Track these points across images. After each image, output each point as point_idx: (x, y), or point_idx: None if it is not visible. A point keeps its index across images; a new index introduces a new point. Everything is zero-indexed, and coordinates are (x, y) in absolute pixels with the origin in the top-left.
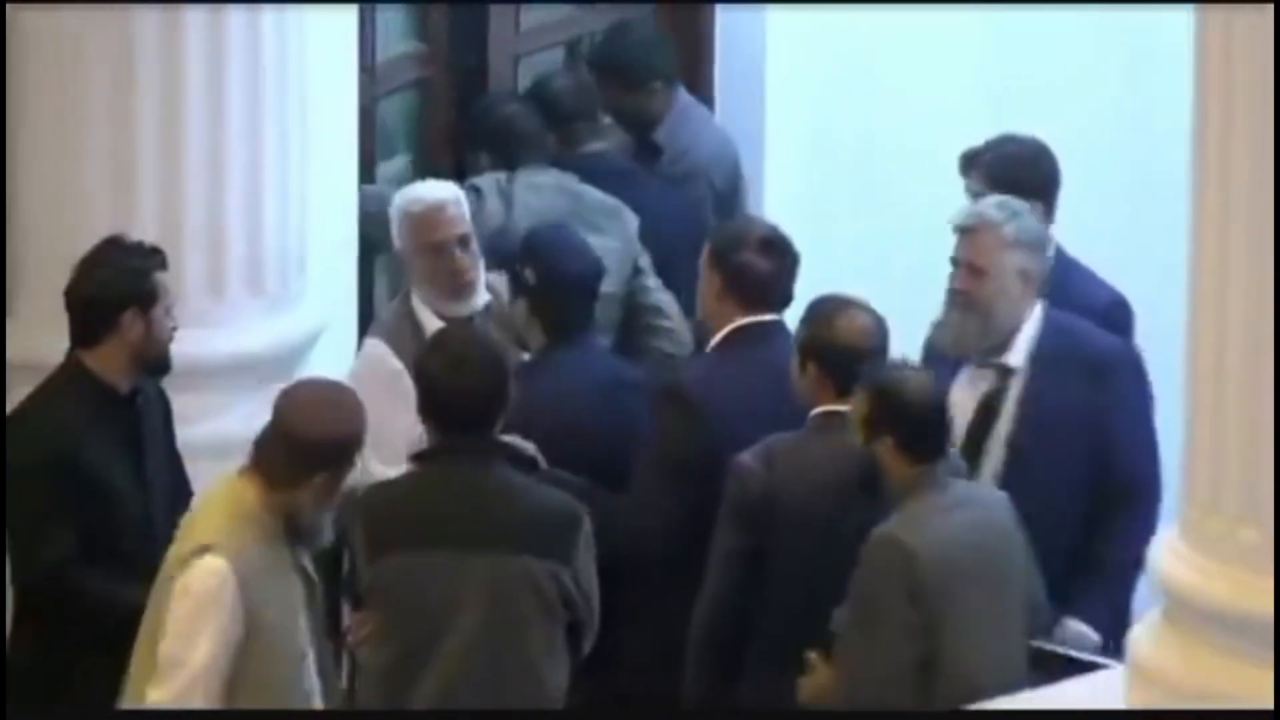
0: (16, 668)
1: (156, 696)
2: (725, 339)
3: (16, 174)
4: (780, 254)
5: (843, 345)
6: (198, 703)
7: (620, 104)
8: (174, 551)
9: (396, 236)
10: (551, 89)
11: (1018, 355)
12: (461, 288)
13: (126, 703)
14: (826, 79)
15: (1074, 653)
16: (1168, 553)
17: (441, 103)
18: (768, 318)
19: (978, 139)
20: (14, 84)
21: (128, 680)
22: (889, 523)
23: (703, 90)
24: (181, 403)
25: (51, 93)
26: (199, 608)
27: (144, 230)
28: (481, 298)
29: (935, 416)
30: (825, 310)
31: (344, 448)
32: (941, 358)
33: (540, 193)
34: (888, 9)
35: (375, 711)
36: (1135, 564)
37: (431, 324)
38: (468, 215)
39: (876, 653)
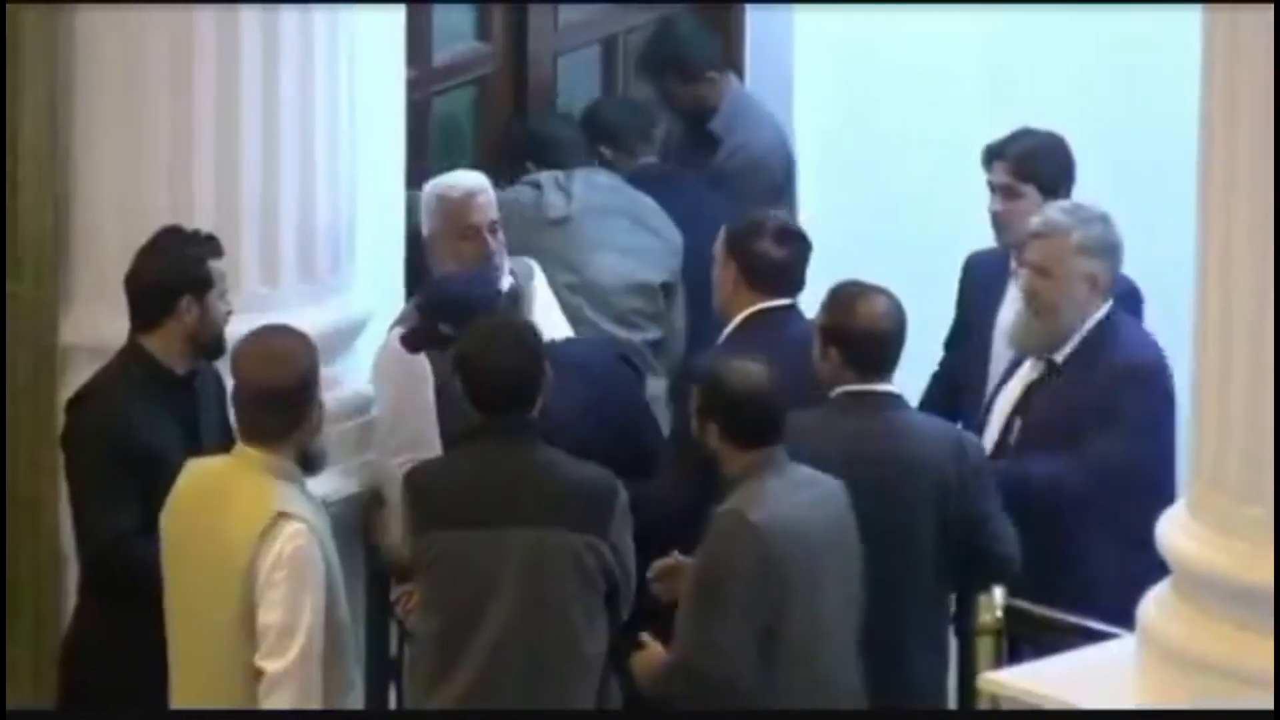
0: (82, 634)
1: (278, 667)
2: (741, 324)
3: (79, 166)
4: (794, 241)
5: (863, 329)
6: (314, 666)
7: (677, 95)
8: (231, 534)
9: (427, 223)
10: (607, 109)
11: (1064, 353)
12: (489, 271)
13: (186, 679)
14: (853, 76)
15: (1088, 622)
16: (1176, 527)
17: (500, 100)
18: (783, 302)
19: (1001, 130)
20: (77, 80)
21: (191, 665)
22: (729, 501)
23: None
24: None
25: (113, 88)
26: (297, 573)
27: (201, 220)
28: (506, 281)
29: (759, 403)
30: (846, 296)
31: (314, 376)
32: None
33: (597, 189)
34: (912, 9)
35: (376, 712)
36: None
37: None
38: (495, 204)
39: (720, 625)
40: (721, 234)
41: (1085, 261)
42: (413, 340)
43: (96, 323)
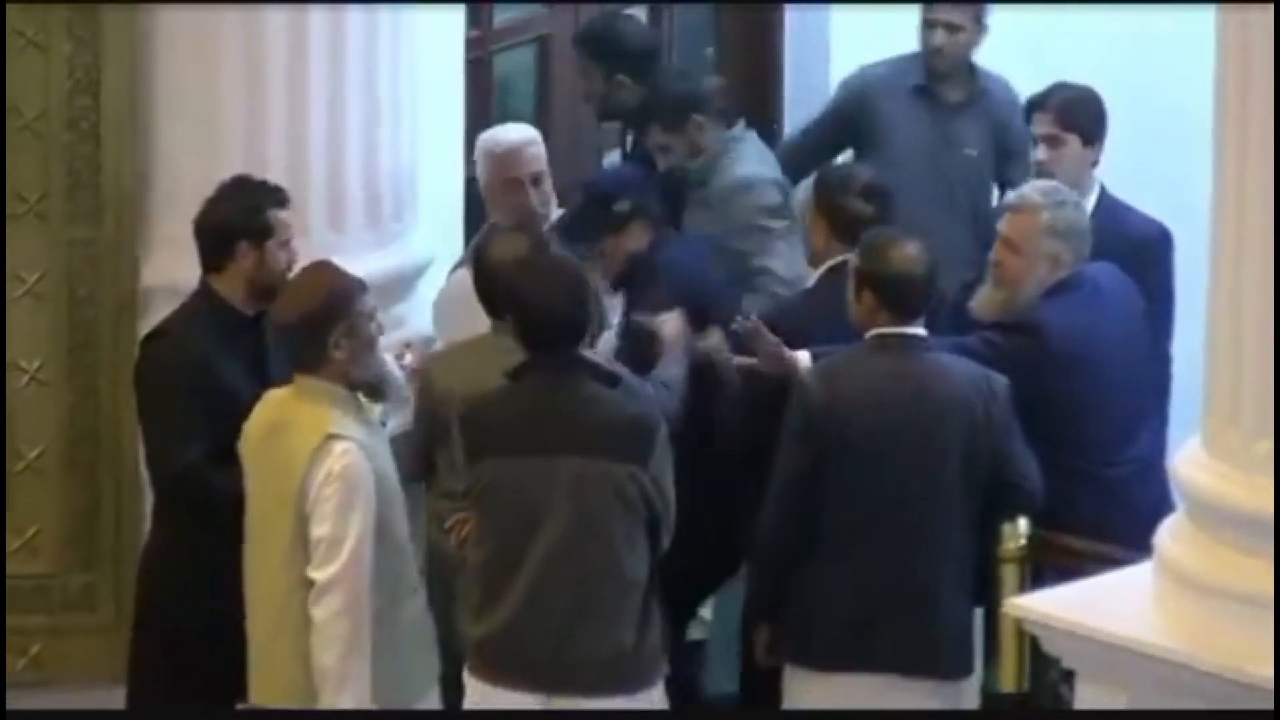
0: (155, 557)
1: (324, 575)
2: (825, 275)
3: (160, 121)
4: (880, 198)
5: (895, 273)
6: (361, 576)
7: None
8: (288, 456)
9: (481, 173)
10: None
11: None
12: (535, 218)
13: (255, 593)
14: None
15: (1107, 549)
16: (1191, 461)
17: (561, 58)
18: None
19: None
20: (158, 40)
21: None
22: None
23: (773, 84)
24: None
25: (190, 47)
26: (347, 488)
27: (273, 170)
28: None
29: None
30: (879, 242)
31: (334, 303)
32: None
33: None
34: None
35: (382, 712)
36: None
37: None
38: (544, 156)
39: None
40: (812, 186)
41: (1052, 242)
42: (581, 225)
43: (174, 266)
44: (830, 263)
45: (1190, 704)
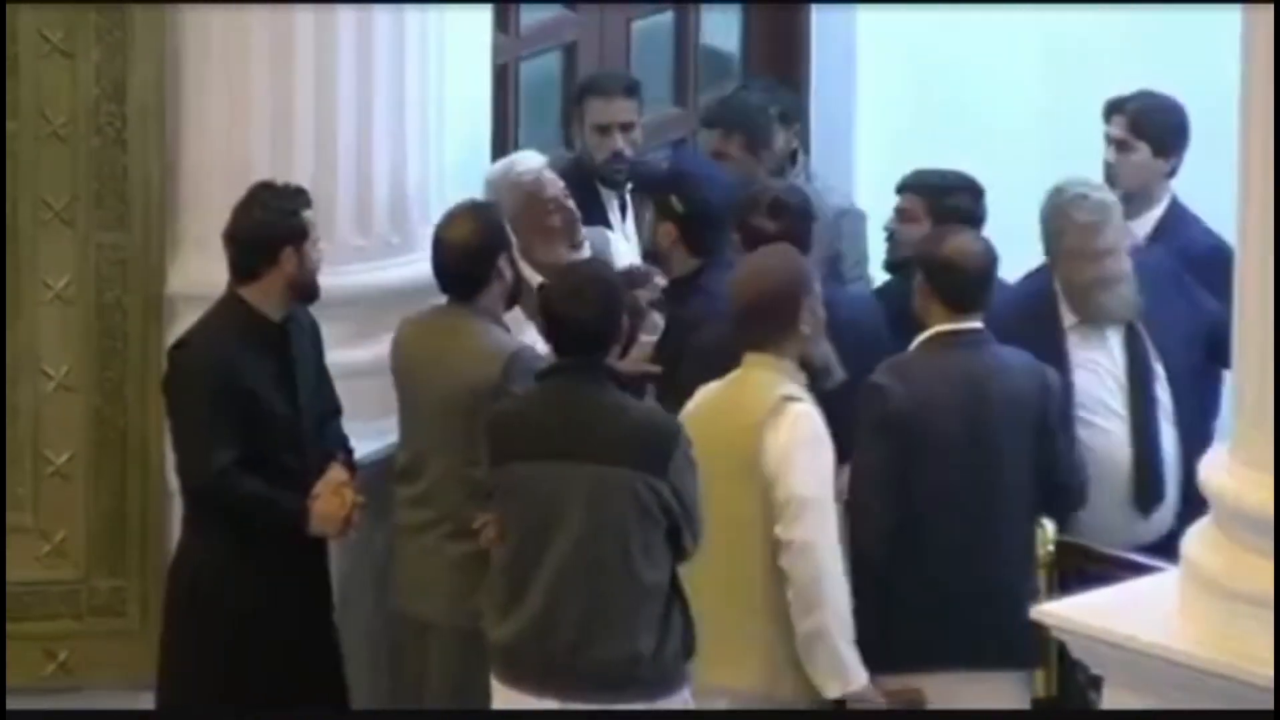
0: (185, 563)
1: (799, 533)
2: None
3: (186, 127)
4: (787, 213)
5: (951, 263)
6: (835, 533)
7: None
8: (735, 421)
9: (507, 208)
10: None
11: None
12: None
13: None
14: (916, 74)
15: (1133, 556)
16: (1218, 466)
17: (587, 65)
18: None
19: (1061, 127)
20: (185, 45)
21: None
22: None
23: (799, 83)
24: (335, 329)
25: (218, 53)
26: (820, 447)
27: (300, 176)
28: (585, 251)
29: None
30: (938, 237)
31: (800, 282)
32: None
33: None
34: (974, 7)
35: (386, 712)
36: None
37: (530, 276)
38: (558, 177)
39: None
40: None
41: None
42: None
43: (201, 271)
44: None
45: (1217, 709)
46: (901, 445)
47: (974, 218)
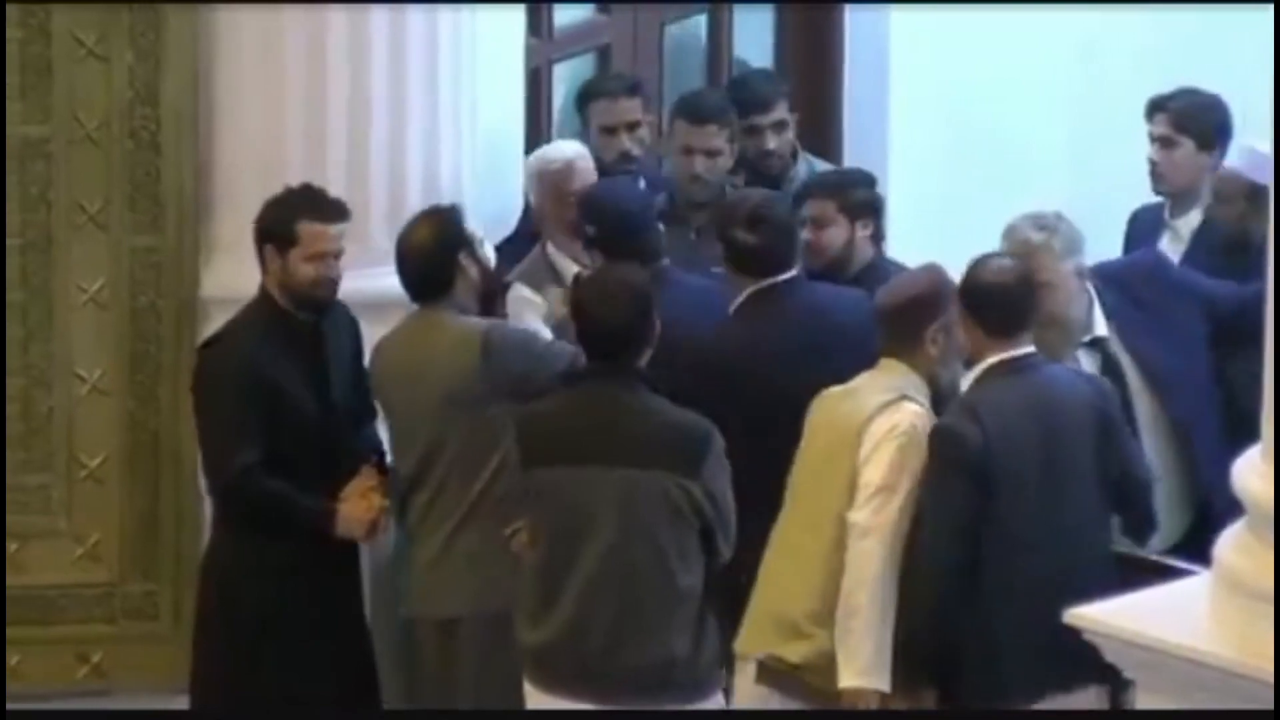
0: (214, 562)
1: (863, 517)
2: (742, 304)
3: (220, 131)
4: (765, 226)
5: (992, 290)
6: (900, 530)
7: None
8: (849, 407)
9: (534, 193)
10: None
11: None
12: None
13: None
14: (947, 74)
15: (1167, 560)
16: (1251, 469)
17: (621, 68)
18: (778, 280)
19: (1094, 129)
20: (219, 48)
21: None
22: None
23: (832, 85)
24: (366, 331)
25: (252, 55)
26: (911, 445)
27: (332, 181)
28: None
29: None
30: (976, 261)
31: (938, 296)
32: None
33: None
34: (1008, 8)
35: (415, 711)
36: None
37: (567, 267)
38: (593, 169)
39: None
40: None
41: (1070, 263)
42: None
43: (235, 275)
44: (739, 298)
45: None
46: (984, 487)
47: (878, 208)
